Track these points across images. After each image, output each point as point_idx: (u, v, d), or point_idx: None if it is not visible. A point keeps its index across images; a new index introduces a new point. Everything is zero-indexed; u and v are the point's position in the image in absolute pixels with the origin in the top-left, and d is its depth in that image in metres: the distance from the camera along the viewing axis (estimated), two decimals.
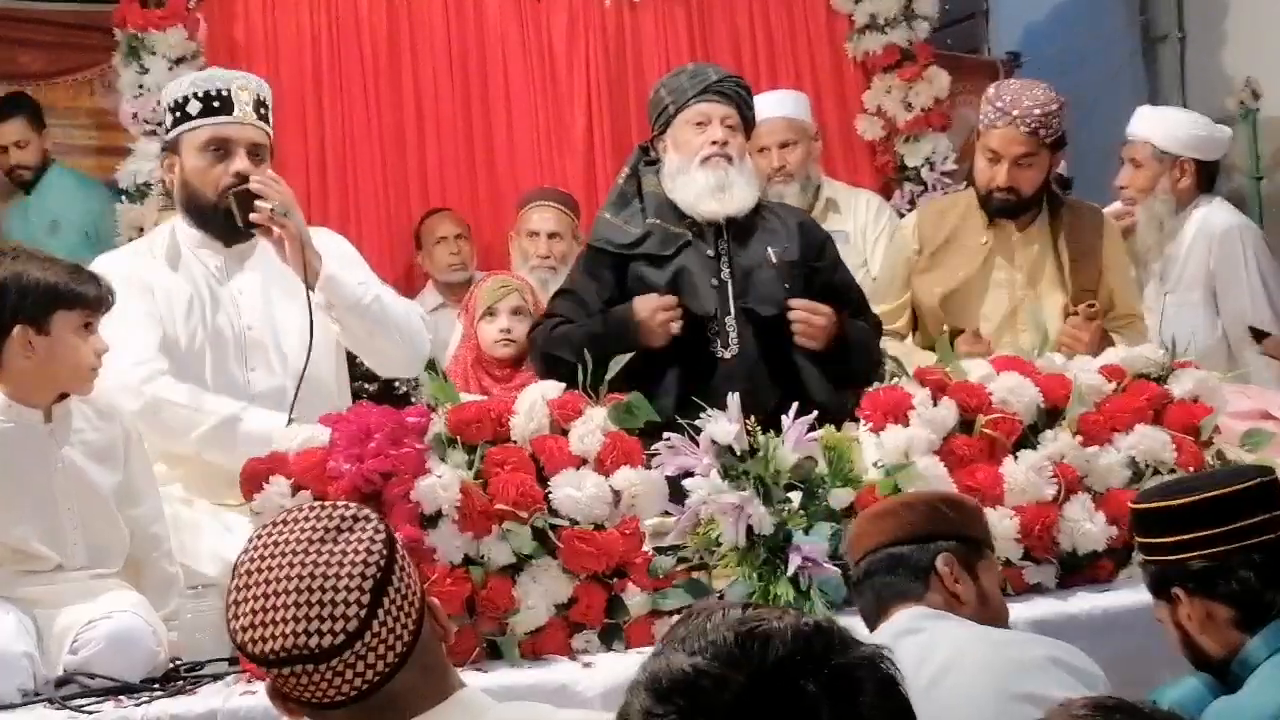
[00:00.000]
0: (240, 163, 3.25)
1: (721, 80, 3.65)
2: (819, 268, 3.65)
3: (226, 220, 3.25)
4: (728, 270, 3.57)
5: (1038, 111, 3.83)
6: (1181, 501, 2.26)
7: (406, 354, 3.35)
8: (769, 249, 3.59)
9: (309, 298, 3.20)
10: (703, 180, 3.55)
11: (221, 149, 3.27)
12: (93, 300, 2.78)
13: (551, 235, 4.72)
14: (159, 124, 4.93)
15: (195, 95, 3.28)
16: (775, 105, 4.83)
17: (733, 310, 3.53)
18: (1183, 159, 4.43)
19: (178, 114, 3.31)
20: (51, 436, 2.79)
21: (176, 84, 3.40)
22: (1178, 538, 2.23)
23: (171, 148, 3.35)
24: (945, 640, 2.16)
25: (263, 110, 3.33)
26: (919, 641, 2.16)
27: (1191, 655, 2.26)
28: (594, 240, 3.69)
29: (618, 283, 3.58)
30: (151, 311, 3.24)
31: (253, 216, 3.19)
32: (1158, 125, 4.49)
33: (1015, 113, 3.83)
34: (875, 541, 2.34)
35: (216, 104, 3.27)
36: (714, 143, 3.55)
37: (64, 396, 2.81)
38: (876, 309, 3.88)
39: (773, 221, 3.66)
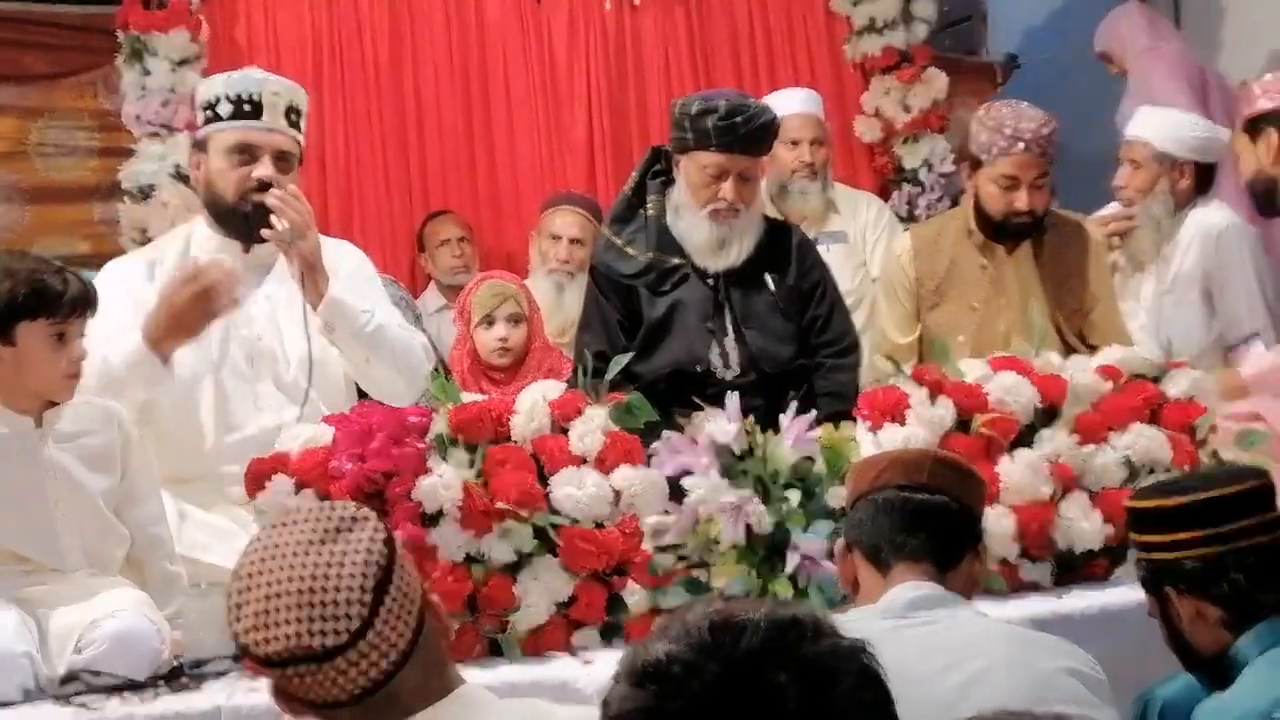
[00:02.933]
0: (265, 169, 3.26)
1: (747, 135, 3.56)
2: (805, 290, 3.71)
3: (244, 223, 3.27)
4: (724, 294, 3.63)
5: (1045, 132, 3.89)
6: (1177, 501, 2.26)
7: (403, 384, 3.33)
8: (766, 275, 3.65)
9: (306, 322, 3.22)
10: (706, 233, 3.60)
11: (248, 153, 3.27)
12: (62, 308, 2.70)
13: (573, 241, 4.68)
14: (163, 125, 5.00)
15: (227, 97, 3.29)
16: (808, 102, 4.91)
17: (731, 333, 3.59)
18: (1182, 161, 4.43)
19: (209, 113, 3.32)
20: (42, 441, 2.77)
21: (211, 82, 3.41)
22: (1172, 537, 2.24)
23: (200, 146, 3.36)
24: (970, 643, 2.10)
25: (294, 117, 3.34)
26: (938, 633, 2.12)
27: (1181, 651, 2.28)
28: (597, 263, 3.73)
29: (623, 300, 3.66)
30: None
31: (264, 233, 3.22)
32: (1158, 126, 4.49)
33: (1027, 137, 3.88)
34: (938, 481, 2.23)
35: (247, 108, 3.28)
36: (724, 199, 3.57)
37: (55, 401, 2.80)
38: (896, 341, 4.02)
39: (771, 243, 3.69)
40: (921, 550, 2.20)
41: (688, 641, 1.25)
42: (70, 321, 2.73)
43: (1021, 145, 3.87)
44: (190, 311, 3.03)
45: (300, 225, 3.21)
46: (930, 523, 2.21)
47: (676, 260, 3.64)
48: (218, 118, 3.30)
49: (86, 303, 2.76)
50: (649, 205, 3.69)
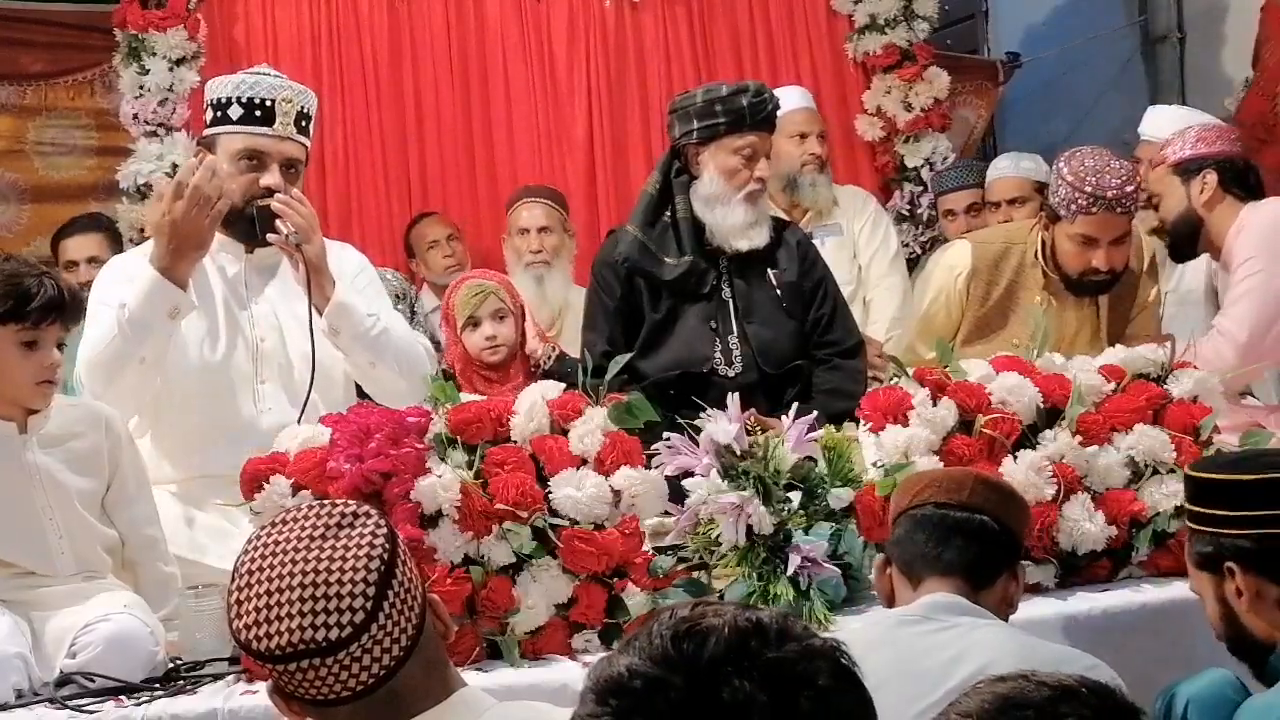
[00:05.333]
0: (272, 177, 3.25)
1: (774, 111, 3.68)
2: (807, 289, 3.71)
3: (248, 226, 3.26)
4: (729, 290, 3.64)
5: (1130, 189, 3.71)
6: (1255, 478, 2.18)
7: (405, 386, 3.32)
8: (769, 271, 3.67)
9: (311, 325, 3.21)
10: (743, 216, 3.63)
11: (256, 160, 3.26)
12: (32, 314, 2.67)
13: (542, 229, 4.73)
14: (160, 124, 5.00)
15: (238, 100, 3.27)
16: (806, 98, 5.04)
17: (735, 330, 3.58)
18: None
19: (218, 113, 3.30)
20: (26, 446, 2.76)
21: (222, 81, 3.37)
22: (1244, 513, 2.16)
23: (207, 145, 3.34)
24: (980, 649, 2.09)
25: (304, 123, 3.32)
26: (951, 636, 2.12)
27: (1232, 633, 2.20)
28: (627, 264, 3.68)
29: (626, 299, 3.67)
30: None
31: (269, 238, 3.21)
32: (1174, 125, 4.45)
33: (1109, 196, 3.68)
34: (977, 500, 2.27)
35: (258, 113, 3.26)
36: (759, 179, 3.61)
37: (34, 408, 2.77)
38: (922, 355, 3.83)
39: (774, 240, 3.69)
40: (954, 565, 2.24)
41: (650, 654, 1.22)
42: (42, 328, 2.70)
43: (1104, 205, 3.69)
44: (190, 222, 3.05)
45: (305, 229, 3.21)
46: (966, 539, 2.25)
47: (707, 263, 3.65)
48: (227, 120, 3.28)
49: (61, 309, 2.72)
50: (677, 206, 3.67)
